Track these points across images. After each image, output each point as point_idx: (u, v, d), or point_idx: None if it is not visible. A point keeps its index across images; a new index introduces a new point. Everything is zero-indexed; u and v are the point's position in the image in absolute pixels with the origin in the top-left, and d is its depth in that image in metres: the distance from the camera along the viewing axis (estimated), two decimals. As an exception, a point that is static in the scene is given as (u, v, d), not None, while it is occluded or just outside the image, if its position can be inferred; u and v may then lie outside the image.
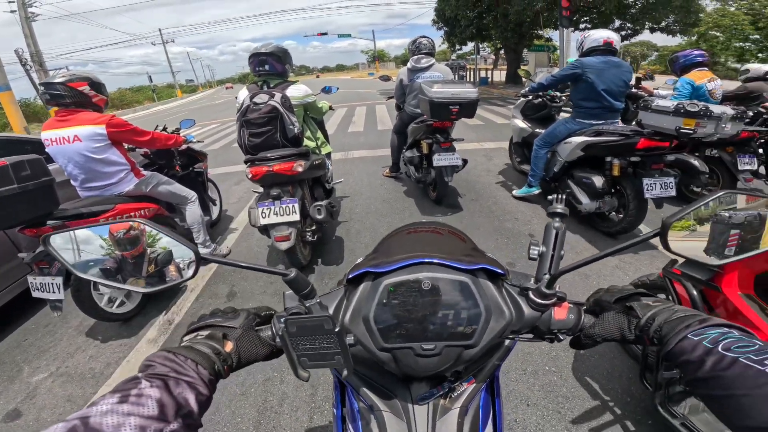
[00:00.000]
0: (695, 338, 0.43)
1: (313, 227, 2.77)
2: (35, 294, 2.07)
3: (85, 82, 2.35)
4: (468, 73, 22.21)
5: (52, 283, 2.05)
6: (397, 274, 0.55)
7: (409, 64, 3.94)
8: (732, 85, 4.34)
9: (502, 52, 19.84)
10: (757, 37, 20.05)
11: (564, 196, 0.66)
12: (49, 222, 2.06)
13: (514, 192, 3.92)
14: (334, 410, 0.75)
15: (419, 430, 0.57)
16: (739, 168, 3.33)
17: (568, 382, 1.75)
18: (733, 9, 20.46)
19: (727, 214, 0.57)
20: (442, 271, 0.54)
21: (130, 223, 0.57)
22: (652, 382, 1.35)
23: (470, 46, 23.58)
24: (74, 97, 2.31)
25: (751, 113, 3.67)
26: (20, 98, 18.07)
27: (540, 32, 17.63)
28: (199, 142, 3.54)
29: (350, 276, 0.59)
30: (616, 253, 0.55)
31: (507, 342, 0.63)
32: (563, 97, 3.97)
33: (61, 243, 0.60)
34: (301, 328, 0.51)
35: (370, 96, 16.14)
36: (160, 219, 2.70)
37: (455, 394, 0.60)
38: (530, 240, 0.63)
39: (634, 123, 2.97)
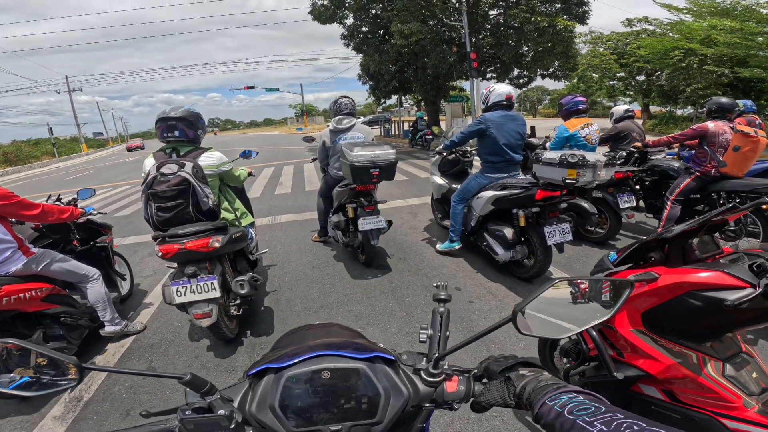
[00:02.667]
0: (550, 403, 0.50)
1: (237, 301, 2.62)
2: None
3: None
4: (393, 125, 23.46)
5: None
6: (297, 367, 0.59)
7: (330, 125, 3.96)
8: (605, 124, 4.96)
9: (423, 104, 21.38)
10: (623, 74, 22.89)
11: (446, 283, 0.77)
12: None
13: (437, 247, 4.07)
14: None
15: None
16: (621, 206, 3.80)
17: (510, 425, 1.81)
18: (601, 50, 23.42)
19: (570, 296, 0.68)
20: (340, 361, 0.60)
21: (4, 341, 0.60)
22: None
23: (394, 98, 25.16)
24: None
25: (624, 153, 4.27)
26: None
27: (454, 83, 19.53)
28: (101, 213, 3.25)
29: (251, 372, 0.63)
30: (483, 335, 0.62)
31: (425, 409, 0.67)
32: (473, 152, 4.25)
33: None
34: (198, 425, 0.55)
35: (298, 153, 16.25)
36: (56, 298, 2.41)
37: None
38: (420, 326, 0.71)
39: (531, 174, 3.31)
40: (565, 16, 14.41)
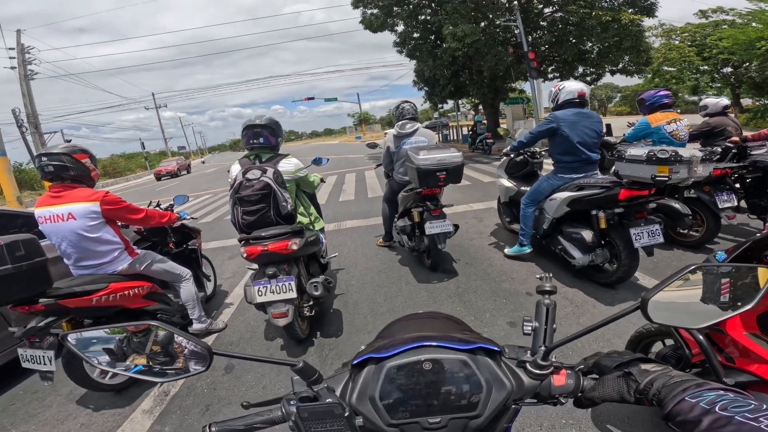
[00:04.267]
0: (692, 400, 0.46)
1: (311, 302, 2.73)
2: (25, 365, 2.05)
3: (86, 155, 2.39)
4: (451, 130, 23.18)
5: (44, 356, 2.03)
6: (399, 358, 0.59)
7: (394, 130, 4.00)
8: (694, 120, 4.48)
9: (480, 107, 20.94)
10: (706, 68, 20.86)
11: (551, 275, 0.73)
12: (41, 300, 2.04)
13: (506, 251, 3.94)
14: None
15: None
16: (720, 206, 3.41)
17: None
18: (677, 42, 21.49)
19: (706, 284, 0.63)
20: (441, 352, 0.59)
21: (147, 324, 0.64)
22: None
23: (451, 103, 24.79)
24: (77, 170, 2.33)
25: (719, 149, 3.85)
26: (13, 162, 17.22)
27: (513, 85, 18.89)
28: (192, 218, 3.57)
29: (354, 362, 0.63)
30: (602, 326, 0.59)
31: (513, 406, 0.66)
32: (543, 152, 4.07)
33: (78, 340, 0.66)
34: (312, 413, 0.56)
35: (359, 161, 16.60)
36: (155, 296, 2.67)
37: None
38: (523, 317, 0.69)
39: (611, 172, 3.08)
40: (630, 10, 13.37)
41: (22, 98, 16.14)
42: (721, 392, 0.46)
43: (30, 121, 15.35)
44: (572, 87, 3.23)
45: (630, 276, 2.96)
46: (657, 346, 1.69)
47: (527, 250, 3.66)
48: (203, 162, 37.72)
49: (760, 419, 0.39)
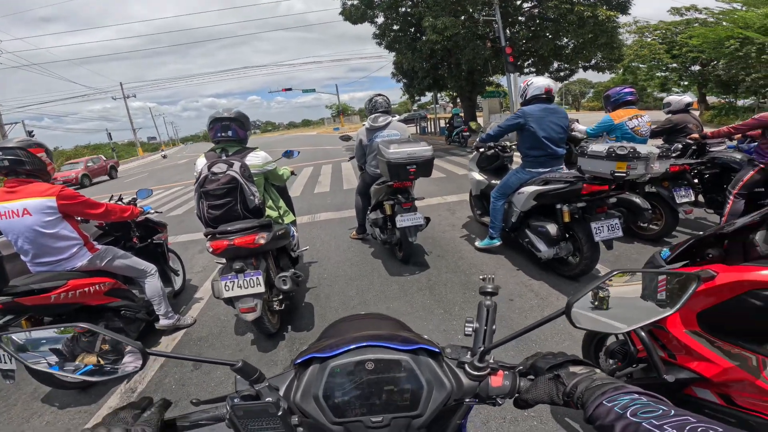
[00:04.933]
0: (608, 404, 0.47)
1: (280, 296, 2.72)
2: None
3: (41, 149, 2.31)
4: (429, 122, 23.27)
5: (3, 355, 1.97)
6: (342, 357, 0.60)
7: (366, 124, 4.00)
8: (658, 116, 4.64)
9: (458, 100, 21.04)
10: (675, 65, 21.48)
11: (493, 276, 0.74)
12: None
13: (476, 244, 4.01)
14: None
15: None
16: (677, 201, 3.55)
17: (548, 426, 1.77)
18: (649, 40, 22.05)
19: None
20: (384, 353, 0.60)
21: (77, 325, 0.63)
22: None
23: (429, 96, 24.84)
24: (33, 165, 2.24)
25: (680, 146, 4.00)
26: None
27: (490, 79, 19.06)
28: (157, 212, 3.46)
29: (297, 361, 0.64)
30: (530, 330, 0.60)
31: (466, 403, 0.67)
32: (513, 147, 4.14)
33: (15, 341, 0.65)
34: (247, 412, 0.57)
35: (336, 152, 16.48)
36: (118, 292, 2.59)
37: None
38: (465, 318, 0.71)
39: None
40: (605, 6, 13.66)
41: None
42: (636, 396, 0.47)
43: (-11, 113, 14.49)
44: (539, 83, 3.30)
45: (592, 268, 3.07)
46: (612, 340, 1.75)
47: (497, 243, 3.73)
48: (164, 156, 33.54)
49: (665, 426, 0.40)
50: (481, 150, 4.26)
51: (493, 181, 4.06)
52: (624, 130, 3.70)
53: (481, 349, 0.64)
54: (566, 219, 3.00)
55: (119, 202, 3.13)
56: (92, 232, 2.88)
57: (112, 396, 2.33)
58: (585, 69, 16.61)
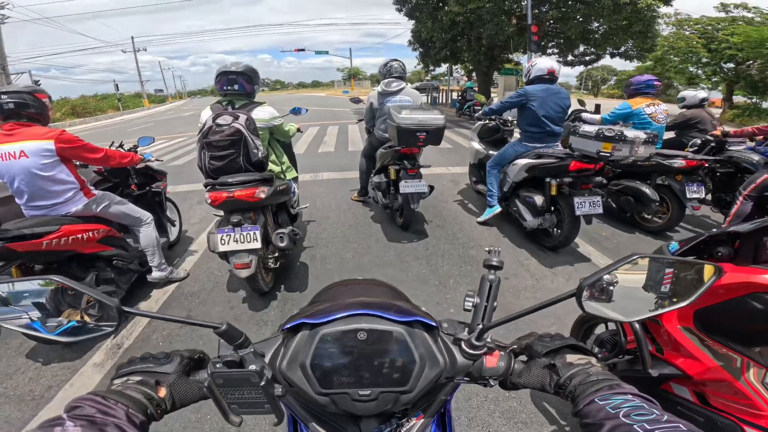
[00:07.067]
0: (600, 402, 0.47)
1: (276, 254, 2.69)
2: None
3: (45, 95, 2.29)
4: (441, 93, 22.78)
5: None
6: (333, 325, 0.55)
7: (379, 88, 3.94)
8: (672, 111, 4.60)
9: (474, 74, 20.51)
10: (708, 60, 20.84)
11: (499, 249, 0.68)
12: None
13: (478, 219, 4.01)
14: None
15: None
16: (687, 196, 3.50)
17: (527, 408, 1.79)
18: (687, 33, 21.33)
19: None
20: (378, 323, 0.55)
21: (50, 279, 0.58)
22: None
23: (444, 67, 24.30)
24: (38, 108, 2.23)
25: (699, 141, 3.92)
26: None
27: (510, 56, 18.50)
28: (158, 160, 3.41)
29: (286, 326, 0.60)
30: (537, 310, 0.57)
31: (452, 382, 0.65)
32: (514, 122, 4.17)
33: (9, 293, 0.61)
34: (228, 380, 0.54)
35: (344, 115, 16.22)
36: (111, 240, 2.56)
37: (404, 430, 0.62)
38: (466, 292, 0.66)
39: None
40: None
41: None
42: (629, 397, 0.46)
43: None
44: (543, 64, 3.43)
45: (570, 242, 3.24)
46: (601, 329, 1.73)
47: (497, 209, 3.78)
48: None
49: (656, 431, 0.40)
50: (483, 120, 4.40)
51: (491, 152, 4.13)
52: (642, 116, 3.71)
53: (480, 326, 0.60)
54: (553, 192, 3.15)
55: (120, 149, 3.06)
56: (90, 178, 2.83)
57: (98, 352, 2.29)
58: (612, 56, 16.00)
